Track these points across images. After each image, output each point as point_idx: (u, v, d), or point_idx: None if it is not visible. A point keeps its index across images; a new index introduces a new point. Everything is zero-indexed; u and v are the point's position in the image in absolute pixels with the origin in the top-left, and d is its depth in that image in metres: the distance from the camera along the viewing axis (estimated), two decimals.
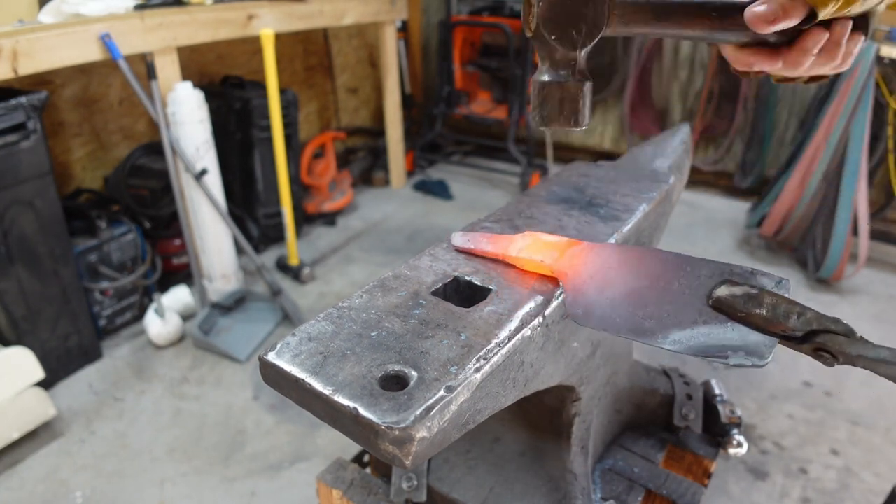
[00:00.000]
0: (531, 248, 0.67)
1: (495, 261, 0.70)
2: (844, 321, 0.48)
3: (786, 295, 0.51)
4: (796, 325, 0.48)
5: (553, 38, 0.57)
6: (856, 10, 0.54)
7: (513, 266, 0.69)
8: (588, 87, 0.61)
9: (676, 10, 0.57)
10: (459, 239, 0.73)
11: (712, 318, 0.51)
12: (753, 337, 0.50)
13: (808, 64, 0.57)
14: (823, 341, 0.47)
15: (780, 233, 2.88)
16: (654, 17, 0.57)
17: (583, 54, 0.59)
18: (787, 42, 0.57)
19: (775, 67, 0.59)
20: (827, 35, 0.56)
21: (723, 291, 0.51)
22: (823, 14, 0.53)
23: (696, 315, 0.53)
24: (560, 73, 0.60)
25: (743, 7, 0.55)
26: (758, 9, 0.52)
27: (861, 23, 0.58)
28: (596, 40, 0.58)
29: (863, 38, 0.59)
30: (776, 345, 0.50)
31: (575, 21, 0.57)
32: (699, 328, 0.52)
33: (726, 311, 0.51)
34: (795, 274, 2.81)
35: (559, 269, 0.63)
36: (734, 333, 0.50)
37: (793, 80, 0.62)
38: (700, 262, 0.53)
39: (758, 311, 0.49)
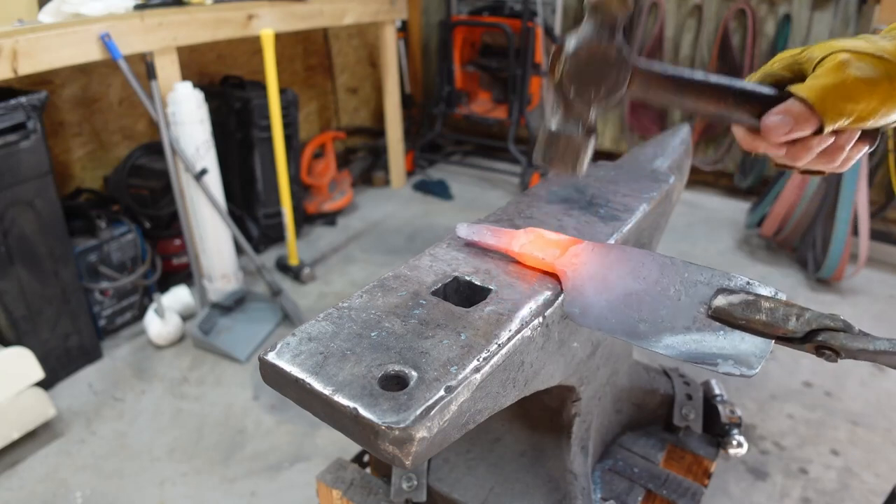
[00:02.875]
0: (534, 243, 0.68)
1: (496, 260, 0.70)
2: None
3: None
4: (796, 327, 0.49)
5: (573, 92, 0.60)
6: (866, 126, 0.56)
7: (514, 263, 0.69)
8: (593, 140, 0.63)
9: (696, 88, 0.59)
10: (464, 230, 0.74)
11: (705, 326, 0.52)
12: (744, 346, 0.51)
13: (807, 160, 0.60)
14: (824, 339, 0.48)
15: (780, 233, 2.88)
16: (674, 90, 0.60)
17: (594, 113, 0.62)
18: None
19: (778, 155, 0.61)
20: (832, 140, 0.58)
21: (720, 301, 0.52)
22: (829, 129, 0.55)
23: (689, 322, 0.53)
24: (570, 125, 0.62)
25: (760, 96, 0.57)
26: (773, 120, 0.55)
27: (869, 132, 0.60)
28: (612, 101, 0.60)
29: (867, 146, 0.60)
30: (767, 354, 0.51)
31: (597, 81, 0.59)
32: (691, 335, 0.53)
33: (726, 319, 0.52)
34: (795, 274, 2.81)
35: (560, 267, 0.64)
36: (725, 342, 0.51)
37: (791, 167, 0.64)
38: (697, 268, 0.54)
39: (757, 316, 0.50)
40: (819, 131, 0.55)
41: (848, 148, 0.59)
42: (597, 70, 0.59)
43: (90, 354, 2.21)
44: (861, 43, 0.55)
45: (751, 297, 0.51)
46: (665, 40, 3.61)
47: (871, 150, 0.62)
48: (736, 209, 3.50)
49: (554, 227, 0.79)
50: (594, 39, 0.58)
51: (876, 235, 2.87)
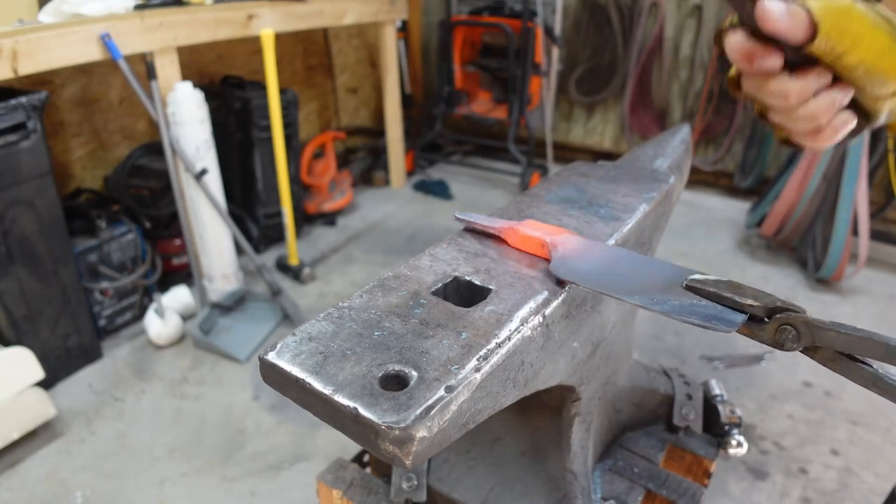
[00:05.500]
0: (525, 226, 0.73)
1: (496, 260, 0.70)
2: (843, 321, 0.49)
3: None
4: (761, 303, 0.52)
5: None
6: (857, 76, 0.54)
7: (513, 262, 0.69)
8: None
9: None
10: (463, 215, 0.79)
11: (682, 294, 0.56)
12: (719, 310, 0.54)
13: (796, 99, 0.57)
14: (785, 317, 0.51)
15: (780, 233, 2.88)
16: None
17: None
18: (790, 67, 0.57)
19: (774, 65, 0.57)
20: (829, 78, 0.56)
21: (692, 281, 0.57)
22: (821, 42, 0.52)
23: (667, 288, 0.58)
24: None
25: None
26: (770, 3, 0.51)
27: (861, 111, 0.58)
28: None
29: (854, 121, 0.59)
30: (741, 322, 0.53)
31: None
32: (670, 296, 0.57)
33: (698, 291, 0.56)
34: (795, 274, 2.81)
35: (551, 242, 0.69)
36: (704, 303, 0.55)
37: (771, 122, 0.63)
38: (680, 269, 0.59)
39: (726, 294, 0.54)
40: (811, 40, 0.52)
41: (838, 103, 0.56)
42: None
43: (90, 354, 2.21)
44: (883, 9, 0.55)
45: (724, 280, 0.55)
46: (665, 40, 3.61)
47: (859, 132, 0.60)
48: (736, 209, 3.50)
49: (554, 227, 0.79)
50: None
51: (876, 235, 2.87)
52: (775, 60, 0.56)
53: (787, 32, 0.52)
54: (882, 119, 0.59)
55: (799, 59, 0.56)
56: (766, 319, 0.52)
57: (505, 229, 0.73)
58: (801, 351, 0.51)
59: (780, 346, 0.51)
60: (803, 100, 0.57)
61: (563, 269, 0.64)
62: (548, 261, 0.68)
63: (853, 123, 0.59)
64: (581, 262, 0.65)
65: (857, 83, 0.55)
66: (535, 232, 0.71)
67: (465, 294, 0.67)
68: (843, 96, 0.56)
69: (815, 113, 0.57)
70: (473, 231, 0.77)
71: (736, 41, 0.58)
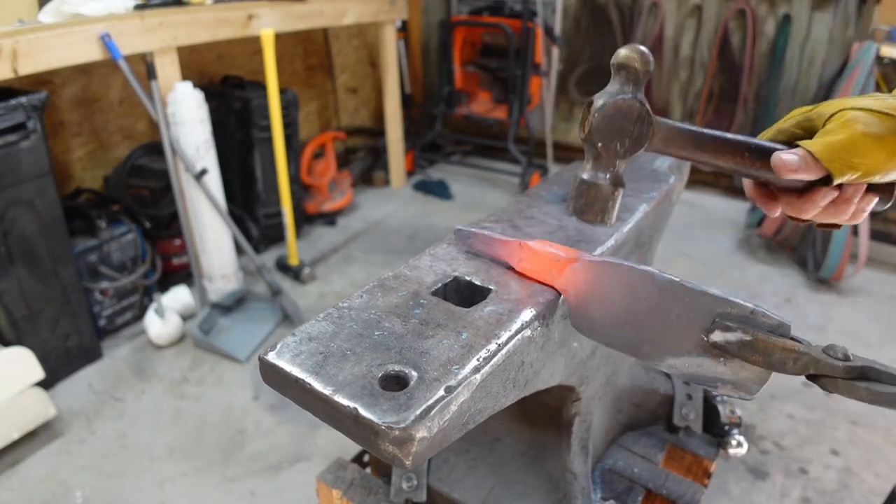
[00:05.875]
0: (531, 261, 0.67)
1: (496, 260, 0.70)
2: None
3: (787, 336, 0.51)
4: (793, 370, 0.50)
5: (600, 145, 0.65)
6: (875, 180, 0.58)
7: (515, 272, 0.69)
8: (620, 192, 0.69)
9: (713, 143, 0.64)
10: (463, 235, 0.74)
11: (706, 351, 0.54)
12: (744, 373, 0.52)
13: (812, 213, 0.63)
14: (822, 384, 0.49)
15: (780, 233, 2.88)
16: (693, 145, 0.65)
17: (623, 165, 0.67)
18: (801, 190, 0.63)
19: (773, 211, 0.66)
20: (836, 193, 0.61)
21: (717, 337, 0.52)
22: (837, 181, 0.57)
23: (691, 346, 0.54)
24: (599, 176, 0.67)
25: (772, 150, 0.61)
26: (785, 157, 0.58)
27: (884, 187, 0.62)
28: (637, 155, 0.66)
29: (877, 199, 0.63)
30: (767, 381, 0.53)
31: (621, 135, 0.65)
32: (693, 358, 0.54)
33: (723, 350, 0.53)
34: (795, 274, 2.81)
35: (561, 287, 0.64)
36: (726, 368, 0.53)
37: (804, 221, 0.66)
38: (698, 293, 0.53)
39: (753, 357, 0.51)
40: (827, 181, 0.58)
41: (856, 201, 0.61)
42: (622, 124, 0.64)
43: (90, 354, 2.21)
44: (870, 101, 0.57)
45: (747, 338, 0.50)
46: (665, 40, 3.61)
47: (888, 205, 0.64)
48: (736, 209, 3.50)
49: (554, 227, 0.79)
50: (619, 96, 0.64)
51: (876, 235, 2.87)
52: (772, 206, 0.66)
53: (801, 178, 0.59)
54: None
55: (810, 183, 0.61)
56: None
57: (514, 248, 0.69)
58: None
59: (831, 357, 0.48)
60: (817, 212, 0.63)
61: (585, 323, 0.62)
62: (553, 288, 0.65)
63: (876, 199, 0.63)
64: (599, 309, 0.60)
65: (872, 182, 0.59)
66: (539, 272, 0.66)
67: (465, 294, 0.67)
68: (857, 193, 0.61)
69: (836, 213, 0.62)
70: (467, 246, 0.74)
71: (745, 186, 0.69)
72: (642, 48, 0.65)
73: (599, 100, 0.64)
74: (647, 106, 0.65)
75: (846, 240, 2.55)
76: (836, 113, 0.58)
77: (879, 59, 2.45)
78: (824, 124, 0.59)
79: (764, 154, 0.62)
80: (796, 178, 0.59)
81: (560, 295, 0.64)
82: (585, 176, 0.68)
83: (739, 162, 0.63)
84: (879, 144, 0.55)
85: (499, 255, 0.70)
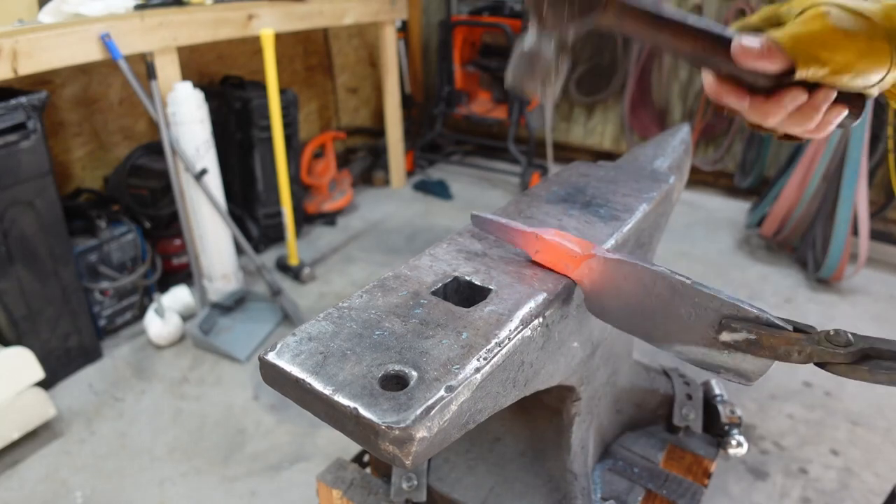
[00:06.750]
0: (549, 252, 0.67)
1: (496, 260, 0.70)
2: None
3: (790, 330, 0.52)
4: (797, 361, 0.51)
5: (546, 5, 0.59)
6: (842, 83, 0.55)
7: (513, 262, 0.69)
8: (566, 63, 0.62)
9: (673, 26, 0.58)
10: (480, 220, 0.73)
11: (713, 344, 0.56)
12: (746, 364, 0.55)
13: (778, 118, 0.58)
14: (828, 369, 0.50)
15: (780, 233, 2.88)
16: (650, 24, 0.59)
17: (570, 33, 0.61)
18: (767, 91, 0.58)
19: (742, 106, 0.60)
20: (805, 97, 0.57)
21: (725, 337, 0.54)
22: (802, 74, 0.54)
23: (698, 339, 0.56)
24: (543, 43, 0.61)
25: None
26: (746, 41, 0.54)
27: (853, 100, 0.58)
28: (586, 23, 0.59)
29: (846, 111, 0.59)
30: (767, 370, 0.54)
31: None
32: (700, 348, 0.57)
33: (730, 347, 0.55)
34: (795, 274, 2.81)
35: (577, 277, 0.66)
36: (729, 358, 0.55)
37: (765, 129, 0.62)
38: (708, 295, 0.55)
39: (760, 352, 0.53)
40: (790, 75, 0.54)
41: (824, 108, 0.57)
42: None
43: (90, 354, 2.21)
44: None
45: (753, 337, 0.53)
46: None
47: (856, 121, 0.60)
48: (736, 209, 3.50)
49: (554, 227, 0.79)
50: None
51: (876, 235, 2.87)
52: (740, 98, 0.59)
53: (762, 67, 0.55)
54: (875, 94, 0.58)
55: (776, 82, 0.57)
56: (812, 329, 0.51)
57: (530, 239, 0.69)
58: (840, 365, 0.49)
59: (833, 345, 0.49)
60: (783, 118, 0.58)
61: (598, 306, 0.64)
62: (568, 277, 0.67)
63: (845, 112, 0.59)
64: (611, 298, 0.62)
65: (841, 85, 0.55)
66: (566, 242, 0.66)
67: (465, 294, 0.67)
68: (826, 99, 0.57)
69: (802, 120, 0.58)
70: (482, 230, 0.74)
71: (706, 82, 0.62)
72: None
73: None
74: None
75: (846, 240, 2.55)
76: (807, 8, 0.55)
77: None
78: (794, 19, 0.56)
79: (726, 43, 0.57)
80: (757, 68, 0.55)
81: (564, 290, 0.64)
82: (527, 45, 0.62)
83: (699, 48, 0.58)
84: (850, 41, 0.52)
85: (515, 243, 0.70)
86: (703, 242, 3.13)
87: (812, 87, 0.56)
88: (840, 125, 0.60)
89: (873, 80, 0.54)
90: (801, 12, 0.55)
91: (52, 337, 2.06)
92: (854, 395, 2.05)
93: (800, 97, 0.56)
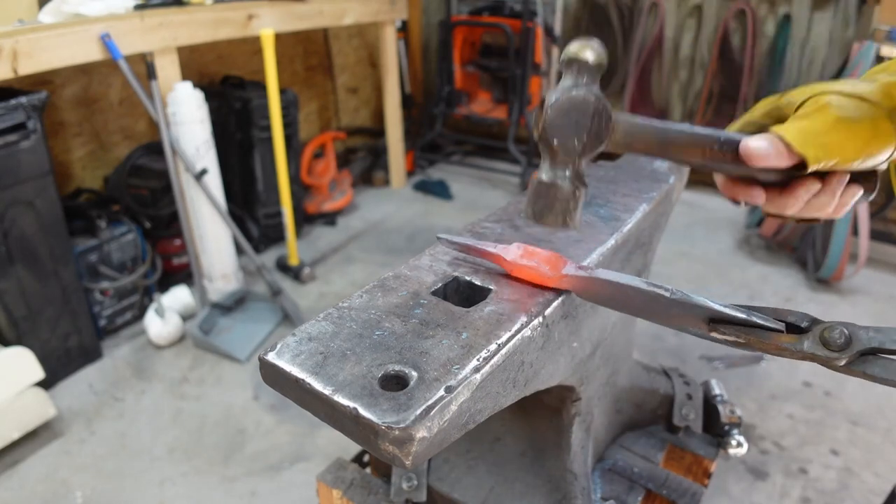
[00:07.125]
0: (520, 272, 0.64)
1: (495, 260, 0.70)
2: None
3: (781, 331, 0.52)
4: (792, 358, 0.51)
5: (555, 142, 0.61)
6: (852, 168, 0.55)
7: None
8: (582, 193, 0.64)
9: (679, 138, 0.60)
10: (447, 243, 0.69)
11: (709, 335, 0.55)
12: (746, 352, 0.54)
13: (796, 208, 0.59)
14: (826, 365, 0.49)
15: (780, 233, 2.88)
16: (657, 141, 0.61)
17: (583, 164, 0.63)
18: (781, 184, 0.59)
19: (759, 202, 0.61)
20: (819, 185, 0.57)
21: (716, 336, 0.54)
22: (814, 167, 0.54)
23: (693, 328, 0.55)
24: (558, 175, 0.63)
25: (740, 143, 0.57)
26: (753, 143, 0.54)
27: (866, 177, 0.59)
28: (596, 152, 0.61)
29: (861, 191, 0.59)
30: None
31: (578, 131, 0.61)
32: (698, 332, 0.55)
33: (724, 342, 0.54)
34: (795, 274, 2.81)
35: (558, 287, 0.64)
36: (729, 345, 0.54)
37: (781, 216, 0.63)
38: (689, 306, 0.54)
39: (748, 350, 0.53)
40: (803, 166, 0.54)
41: (839, 193, 0.58)
42: (578, 119, 0.60)
43: (90, 354, 2.21)
44: (842, 85, 0.55)
45: (742, 340, 0.52)
46: (665, 40, 3.61)
47: (871, 197, 0.61)
48: (736, 209, 3.50)
49: (554, 226, 0.79)
50: (572, 89, 0.60)
51: (876, 235, 2.86)
52: (755, 195, 0.60)
53: (773, 165, 0.55)
54: (885, 168, 0.59)
55: (787, 175, 0.58)
56: (807, 324, 0.50)
57: (498, 260, 0.65)
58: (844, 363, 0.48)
59: (827, 346, 0.48)
60: (801, 207, 0.59)
61: (589, 295, 0.62)
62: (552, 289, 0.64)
63: (860, 192, 0.59)
64: (598, 298, 0.61)
65: (852, 169, 0.56)
66: (532, 263, 0.63)
67: (465, 294, 0.67)
68: (840, 184, 0.58)
69: (819, 206, 0.59)
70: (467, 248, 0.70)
71: (718, 182, 0.63)
72: (594, 41, 0.61)
73: (553, 95, 0.61)
74: (605, 101, 0.60)
75: (846, 240, 2.55)
76: (807, 99, 0.55)
77: (879, 58, 2.45)
78: (796, 111, 0.56)
79: (734, 146, 0.57)
80: (767, 167, 0.55)
81: (559, 294, 0.64)
82: (544, 176, 0.64)
83: (709, 156, 0.59)
84: (856, 130, 0.52)
85: (491, 260, 0.68)
86: (703, 242, 3.13)
87: (824, 174, 0.57)
88: (856, 203, 0.61)
89: (882, 159, 0.55)
90: (802, 103, 0.56)
91: (52, 337, 2.06)
92: (854, 394, 2.05)
93: (814, 187, 0.57)
